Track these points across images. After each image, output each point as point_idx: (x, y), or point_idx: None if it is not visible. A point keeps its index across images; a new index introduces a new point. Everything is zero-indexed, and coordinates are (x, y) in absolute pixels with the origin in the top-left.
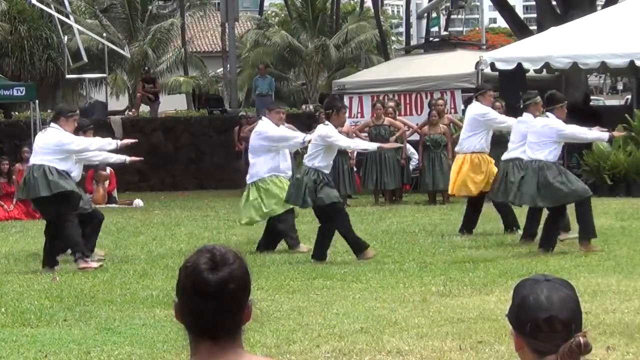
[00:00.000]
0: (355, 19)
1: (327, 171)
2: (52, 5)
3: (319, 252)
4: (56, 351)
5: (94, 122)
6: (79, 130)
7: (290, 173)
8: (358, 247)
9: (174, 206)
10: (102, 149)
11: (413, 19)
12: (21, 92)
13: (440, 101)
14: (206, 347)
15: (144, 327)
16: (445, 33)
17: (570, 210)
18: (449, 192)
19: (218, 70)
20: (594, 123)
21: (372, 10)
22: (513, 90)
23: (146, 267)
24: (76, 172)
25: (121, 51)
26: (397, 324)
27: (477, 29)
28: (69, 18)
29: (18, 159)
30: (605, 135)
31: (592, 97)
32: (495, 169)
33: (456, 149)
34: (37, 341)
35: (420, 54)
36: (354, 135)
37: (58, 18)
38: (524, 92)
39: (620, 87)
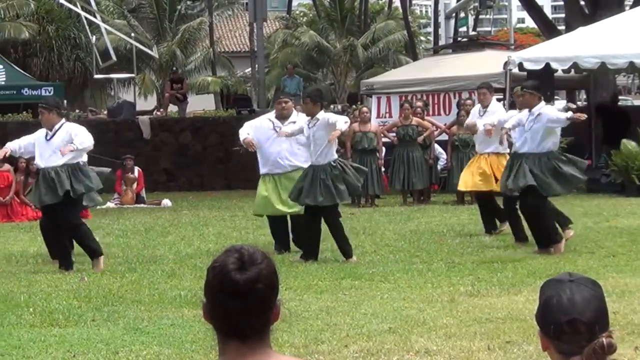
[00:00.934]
0: (384, 19)
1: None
2: (79, 5)
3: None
4: (84, 351)
5: (123, 121)
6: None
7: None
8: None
9: (202, 206)
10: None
11: (441, 19)
12: (49, 92)
13: (469, 101)
14: (234, 347)
15: (172, 327)
16: (474, 33)
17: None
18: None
19: (246, 70)
20: (622, 123)
21: (401, 10)
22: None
23: (174, 267)
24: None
25: (149, 51)
26: (425, 324)
27: (506, 28)
28: (96, 17)
29: None
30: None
31: (620, 97)
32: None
33: None
34: (65, 341)
35: (449, 54)
36: (382, 135)
37: (85, 18)
38: (551, 92)
39: None
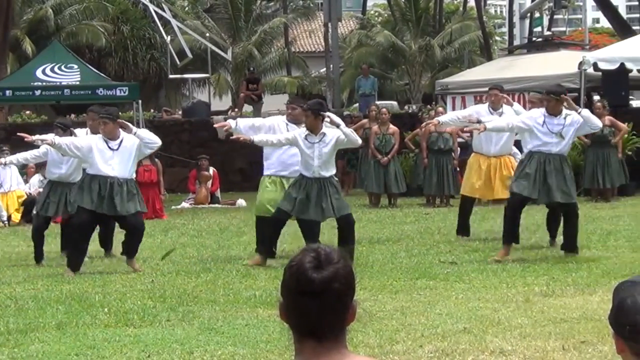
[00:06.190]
0: (459, 19)
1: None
2: (154, 2)
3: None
4: (159, 351)
5: (197, 121)
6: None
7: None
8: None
9: None
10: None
11: (516, 19)
12: (124, 92)
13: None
14: (310, 346)
15: (247, 327)
16: (548, 33)
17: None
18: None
19: (321, 70)
20: None
21: (475, 10)
22: (616, 90)
23: (249, 267)
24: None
25: (222, 53)
26: (500, 324)
27: (580, 29)
28: (164, 13)
29: None
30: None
31: None
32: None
33: None
34: (140, 341)
35: (523, 54)
36: (457, 135)
37: (159, 16)
38: (626, 92)
39: None
